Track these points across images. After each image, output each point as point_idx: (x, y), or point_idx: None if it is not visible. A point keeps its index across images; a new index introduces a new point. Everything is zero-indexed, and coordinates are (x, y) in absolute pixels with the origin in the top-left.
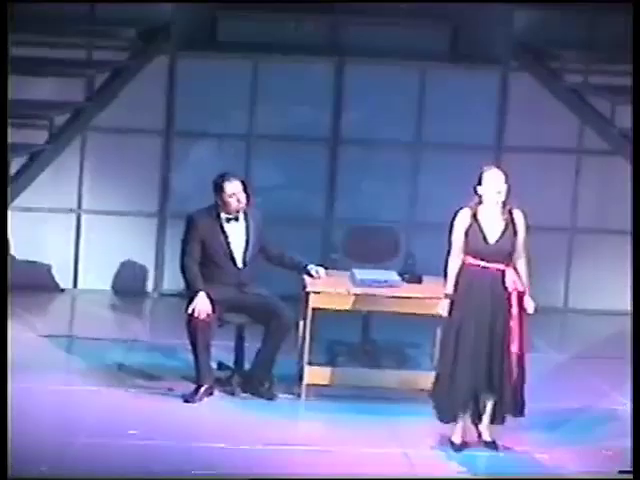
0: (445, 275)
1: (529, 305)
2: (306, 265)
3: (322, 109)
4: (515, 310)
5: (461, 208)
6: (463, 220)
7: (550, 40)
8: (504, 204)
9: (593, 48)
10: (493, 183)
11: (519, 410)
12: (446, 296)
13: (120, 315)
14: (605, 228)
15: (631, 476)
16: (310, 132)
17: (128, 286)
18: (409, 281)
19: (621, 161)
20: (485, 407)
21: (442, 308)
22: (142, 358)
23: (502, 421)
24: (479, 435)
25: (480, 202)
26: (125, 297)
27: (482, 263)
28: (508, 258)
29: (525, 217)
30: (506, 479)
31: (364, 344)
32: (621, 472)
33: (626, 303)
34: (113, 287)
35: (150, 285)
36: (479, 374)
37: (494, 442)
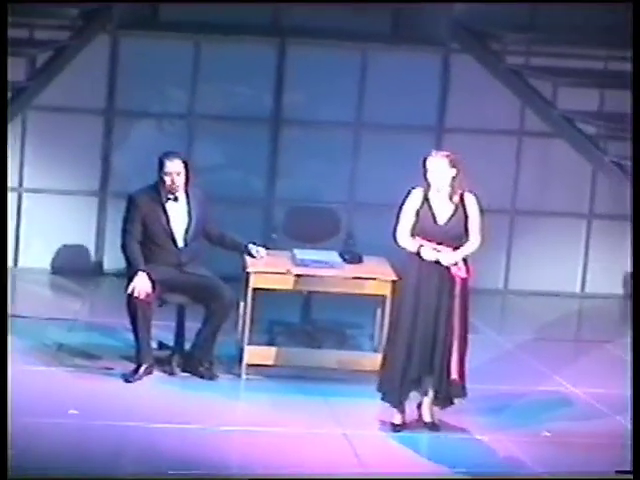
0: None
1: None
2: (247, 245)
3: (264, 89)
4: (458, 293)
5: (413, 187)
6: (415, 200)
7: (491, 22)
8: (453, 188)
9: (534, 30)
10: (433, 170)
11: (461, 391)
12: (421, 246)
13: (60, 294)
14: (545, 210)
15: (631, 476)
16: (251, 112)
17: (69, 265)
18: (349, 261)
19: (562, 143)
20: (427, 388)
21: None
22: (82, 337)
23: (450, 403)
24: (420, 416)
25: (429, 185)
26: (66, 276)
27: (431, 245)
28: (457, 241)
29: (478, 200)
30: (502, 479)
31: (304, 324)
32: (620, 472)
33: (566, 284)
34: (54, 266)
35: (91, 264)
36: (424, 356)
37: (434, 423)
